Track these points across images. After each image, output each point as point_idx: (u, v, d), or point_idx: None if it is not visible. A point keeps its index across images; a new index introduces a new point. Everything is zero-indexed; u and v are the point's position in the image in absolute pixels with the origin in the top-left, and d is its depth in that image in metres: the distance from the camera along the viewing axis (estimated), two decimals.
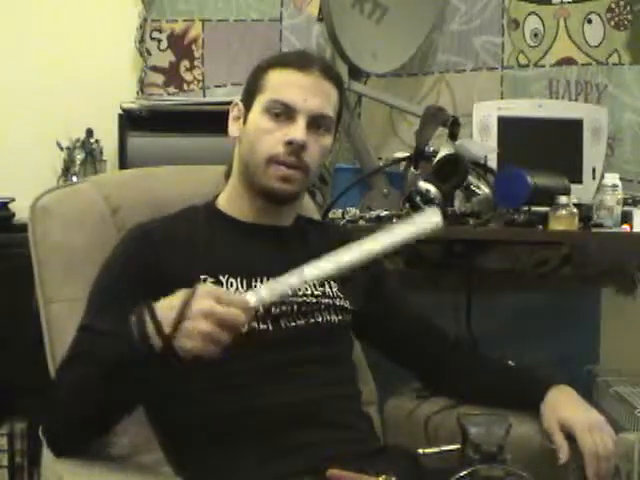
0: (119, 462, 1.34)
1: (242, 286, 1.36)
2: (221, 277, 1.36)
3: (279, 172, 1.38)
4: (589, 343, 2.51)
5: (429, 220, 1.20)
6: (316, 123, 1.40)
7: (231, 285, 1.36)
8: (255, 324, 1.34)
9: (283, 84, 1.40)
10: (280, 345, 1.36)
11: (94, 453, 1.27)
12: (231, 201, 1.47)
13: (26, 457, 2.28)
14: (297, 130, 1.37)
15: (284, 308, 1.38)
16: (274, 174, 1.39)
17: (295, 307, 1.39)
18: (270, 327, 1.36)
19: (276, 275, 1.29)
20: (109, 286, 1.36)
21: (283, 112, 1.39)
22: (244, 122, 1.44)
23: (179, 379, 1.21)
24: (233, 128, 1.47)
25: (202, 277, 1.34)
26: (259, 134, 1.40)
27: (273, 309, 1.36)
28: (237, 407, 1.33)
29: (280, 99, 1.39)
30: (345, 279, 1.48)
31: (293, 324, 1.38)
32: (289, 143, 1.37)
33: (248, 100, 1.44)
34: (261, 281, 1.36)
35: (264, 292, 1.16)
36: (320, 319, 1.41)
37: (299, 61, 1.42)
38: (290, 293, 1.21)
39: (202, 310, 1.11)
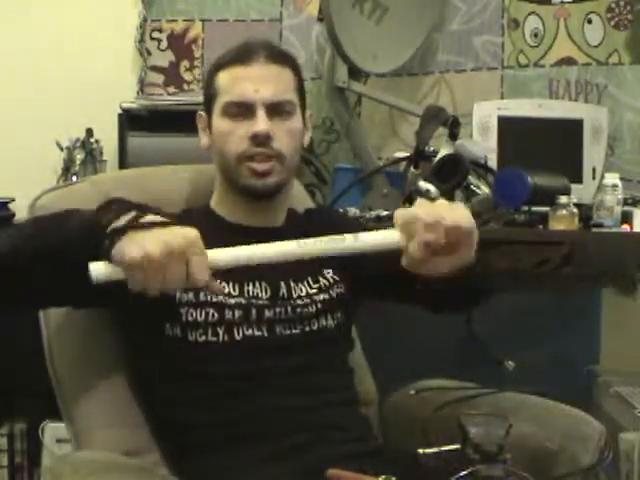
0: (118, 463, 1.34)
1: (234, 290, 1.36)
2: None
3: (251, 168, 1.38)
4: (589, 343, 2.51)
5: (392, 238, 1.18)
6: (276, 110, 1.39)
7: (223, 289, 1.34)
8: (250, 330, 1.34)
9: (231, 83, 1.39)
10: (277, 352, 1.36)
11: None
12: (221, 204, 1.47)
13: (26, 457, 2.29)
14: (258, 122, 1.37)
15: (278, 310, 1.37)
16: (247, 171, 1.38)
17: (289, 310, 1.38)
18: (266, 334, 1.35)
19: (268, 279, 1.29)
20: None
21: (240, 111, 1.38)
22: (210, 130, 1.44)
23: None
24: (203, 139, 1.47)
25: None
26: (223, 138, 1.40)
27: (267, 312, 1.35)
28: (235, 411, 1.33)
29: (232, 100, 1.39)
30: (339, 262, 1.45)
31: (288, 332, 1.37)
32: (254, 137, 1.37)
33: (207, 107, 1.45)
34: (253, 285, 1.37)
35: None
36: (316, 327, 1.40)
37: (241, 55, 1.41)
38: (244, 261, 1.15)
39: (161, 235, 1.06)
